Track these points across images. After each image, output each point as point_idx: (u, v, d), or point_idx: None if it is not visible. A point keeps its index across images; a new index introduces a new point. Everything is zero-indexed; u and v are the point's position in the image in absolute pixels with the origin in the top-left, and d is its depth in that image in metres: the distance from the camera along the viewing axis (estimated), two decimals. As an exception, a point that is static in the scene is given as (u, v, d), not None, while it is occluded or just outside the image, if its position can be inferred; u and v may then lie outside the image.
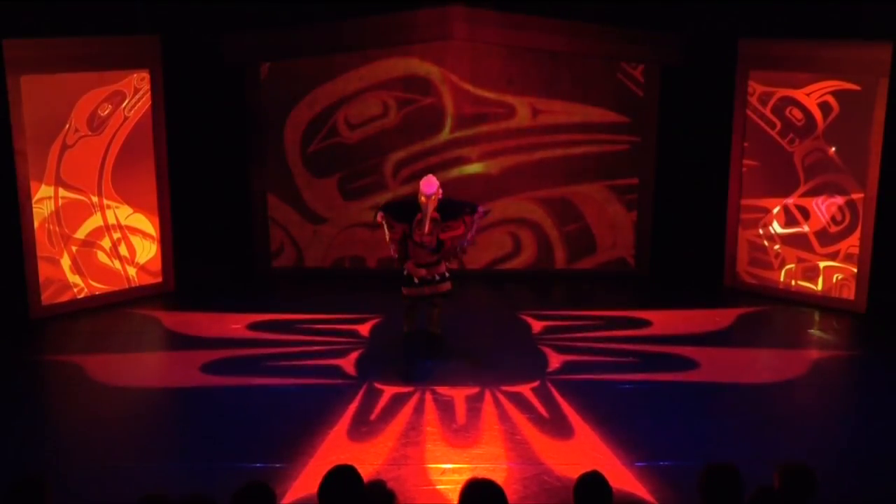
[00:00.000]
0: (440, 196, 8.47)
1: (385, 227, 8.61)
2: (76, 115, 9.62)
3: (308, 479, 6.44)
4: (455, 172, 10.79)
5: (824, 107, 9.72)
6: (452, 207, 8.63)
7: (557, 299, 10.60)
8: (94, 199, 9.88)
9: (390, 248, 8.67)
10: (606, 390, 8.05)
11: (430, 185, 8.38)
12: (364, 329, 9.44)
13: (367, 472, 5.13)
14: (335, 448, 7.01)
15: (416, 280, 8.67)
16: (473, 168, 10.82)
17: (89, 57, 9.59)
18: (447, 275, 8.76)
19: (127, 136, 9.96)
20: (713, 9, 10.19)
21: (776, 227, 10.22)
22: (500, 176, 10.82)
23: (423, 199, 8.41)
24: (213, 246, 10.91)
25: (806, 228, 10.03)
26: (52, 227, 9.66)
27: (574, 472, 4.79)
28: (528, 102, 10.68)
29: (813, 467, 4.54)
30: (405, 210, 8.63)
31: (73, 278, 9.86)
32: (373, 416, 7.53)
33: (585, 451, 7.00)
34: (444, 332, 8.93)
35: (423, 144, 10.80)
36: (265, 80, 10.67)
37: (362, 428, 7.34)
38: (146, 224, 10.26)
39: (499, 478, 5.94)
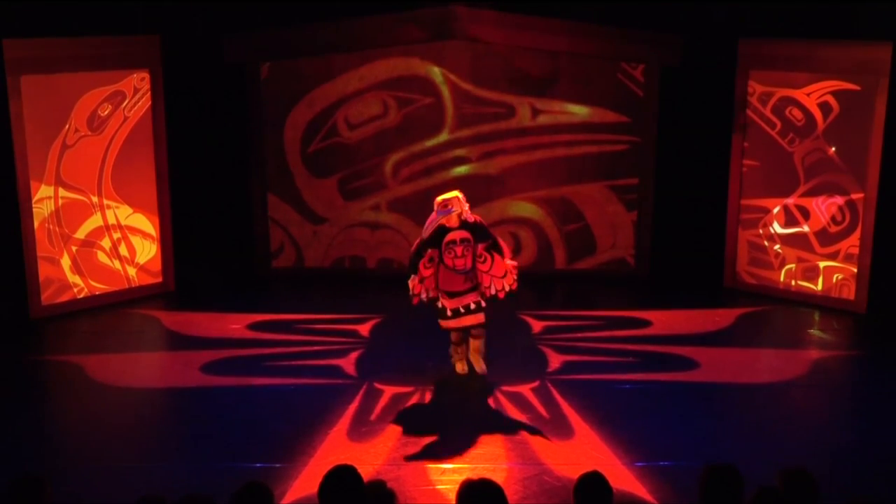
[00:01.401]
0: (471, 218, 7.85)
1: (422, 266, 7.90)
2: (76, 115, 9.63)
3: (308, 479, 6.44)
4: (455, 172, 10.79)
5: (824, 107, 9.72)
6: (484, 231, 7.94)
7: (557, 299, 10.59)
8: (94, 199, 9.88)
9: (415, 289, 7.96)
10: (606, 390, 8.04)
11: (450, 199, 7.80)
12: (364, 329, 9.45)
13: (367, 472, 5.13)
14: (335, 448, 7.01)
15: (448, 312, 8.03)
16: (473, 168, 10.82)
17: (89, 57, 9.60)
18: (483, 304, 8.04)
19: (127, 136, 9.96)
20: (713, 9, 10.18)
21: (776, 227, 10.22)
22: (500, 176, 10.81)
23: (440, 208, 7.79)
24: (213, 246, 10.90)
25: (806, 228, 10.03)
26: (52, 227, 9.66)
27: (574, 472, 4.80)
28: (528, 102, 10.67)
29: (813, 467, 4.53)
30: (434, 238, 7.88)
31: (73, 278, 9.86)
32: (373, 416, 7.53)
33: (585, 451, 6.99)
34: (488, 369, 8.23)
35: (423, 144, 10.79)
36: (265, 80, 10.66)
37: (362, 428, 7.34)
38: (146, 224, 10.26)
39: (499, 478, 5.94)
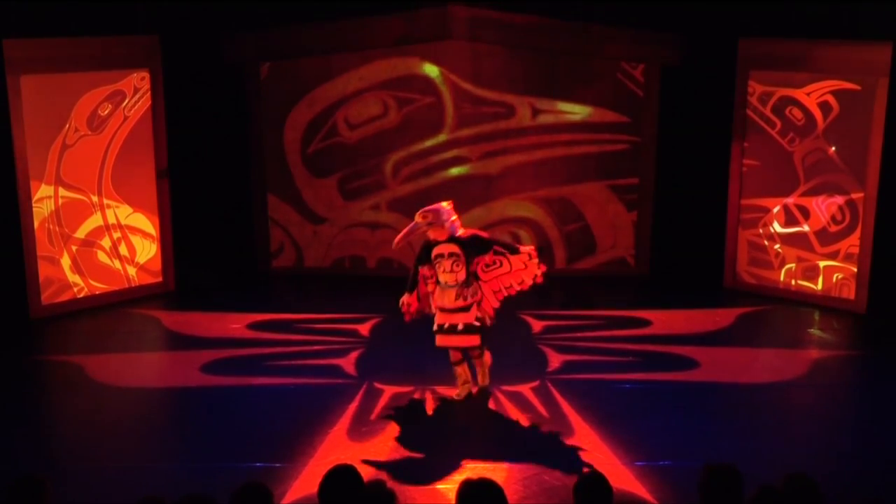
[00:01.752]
0: (459, 232, 7.53)
1: (422, 284, 7.70)
2: (76, 114, 9.63)
3: (308, 479, 6.44)
4: (455, 172, 10.80)
5: (824, 107, 9.72)
6: (480, 243, 7.66)
7: (557, 299, 10.58)
8: (94, 198, 9.88)
9: (408, 306, 7.74)
10: (606, 390, 8.04)
11: (429, 211, 7.52)
12: (364, 329, 9.45)
13: (367, 472, 5.14)
14: (335, 448, 7.01)
15: (435, 326, 7.66)
16: (473, 168, 10.82)
17: (89, 57, 9.60)
18: (471, 326, 7.60)
19: (127, 136, 9.96)
20: (713, 9, 10.18)
21: (776, 227, 10.22)
22: (500, 176, 10.81)
23: (419, 219, 7.52)
24: (213, 246, 10.90)
25: (806, 228, 10.03)
26: (52, 226, 9.66)
27: (574, 472, 4.80)
28: (528, 102, 10.67)
29: (812, 467, 4.53)
30: (423, 253, 7.65)
31: (73, 278, 9.86)
32: (373, 416, 7.53)
33: (585, 451, 6.99)
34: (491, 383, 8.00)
35: (423, 144, 10.80)
36: (265, 80, 10.67)
37: (362, 428, 7.34)
38: (146, 224, 10.26)
39: (499, 478, 5.93)
